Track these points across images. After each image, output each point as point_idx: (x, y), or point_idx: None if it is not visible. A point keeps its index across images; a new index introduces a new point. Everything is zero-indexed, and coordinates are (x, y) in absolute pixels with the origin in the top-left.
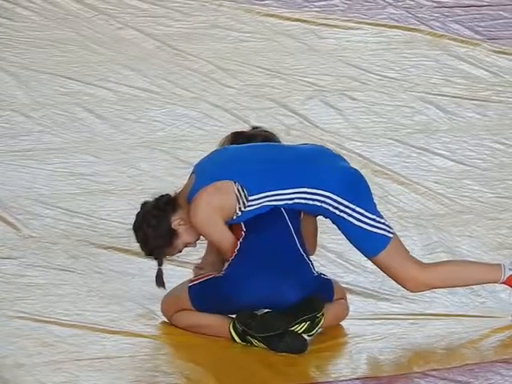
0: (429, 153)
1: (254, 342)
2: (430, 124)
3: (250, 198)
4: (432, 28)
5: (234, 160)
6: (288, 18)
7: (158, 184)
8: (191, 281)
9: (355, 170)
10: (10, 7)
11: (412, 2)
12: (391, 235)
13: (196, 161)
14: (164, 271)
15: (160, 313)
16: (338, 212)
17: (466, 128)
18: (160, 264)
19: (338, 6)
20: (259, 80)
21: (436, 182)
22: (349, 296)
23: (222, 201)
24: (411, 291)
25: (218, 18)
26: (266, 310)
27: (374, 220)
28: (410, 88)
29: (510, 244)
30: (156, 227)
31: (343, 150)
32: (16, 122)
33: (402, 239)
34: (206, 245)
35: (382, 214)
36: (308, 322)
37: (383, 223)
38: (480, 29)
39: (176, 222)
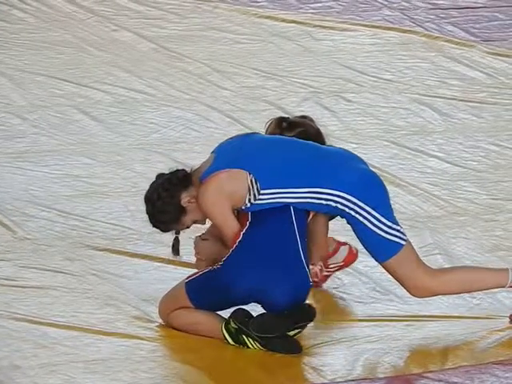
0: (424, 154)
1: (249, 341)
2: (425, 126)
3: (262, 191)
4: (427, 30)
5: (254, 151)
6: (283, 20)
7: None
8: (188, 277)
9: (375, 173)
10: (5, 9)
11: (407, 4)
12: (404, 242)
13: (191, 162)
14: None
15: (156, 315)
16: (353, 213)
17: (461, 130)
18: (177, 233)
19: (333, 8)
20: (255, 82)
21: (431, 184)
22: (344, 299)
23: (232, 188)
24: (418, 297)
25: (213, 19)
26: (264, 312)
27: (389, 227)
28: (406, 90)
29: (505, 246)
30: (166, 201)
31: None
32: (11, 124)
33: None
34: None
35: (396, 219)
36: (300, 330)
37: (398, 230)
38: (475, 31)
39: (186, 199)
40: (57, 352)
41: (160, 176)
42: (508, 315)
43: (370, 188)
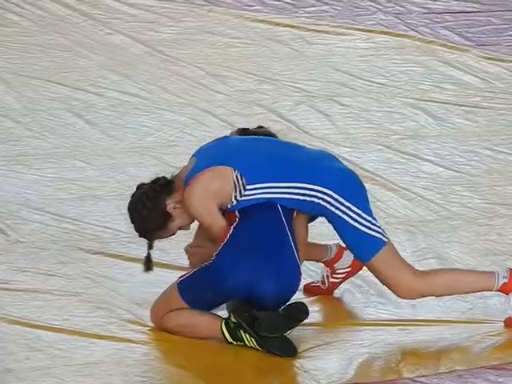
0: (418, 159)
1: (246, 337)
2: (419, 130)
3: (248, 187)
4: (421, 34)
5: (236, 148)
6: (277, 24)
7: None
8: (179, 277)
9: (353, 171)
10: None
11: (401, 8)
12: (386, 240)
13: None
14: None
15: (148, 318)
16: (333, 209)
17: (455, 134)
18: (150, 248)
19: (327, 12)
20: (248, 86)
21: (425, 188)
22: (337, 303)
23: (219, 186)
24: (403, 298)
25: (207, 23)
26: (264, 312)
27: (369, 222)
28: (400, 94)
29: (499, 250)
30: (151, 209)
31: None
32: (5, 128)
33: None
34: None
35: (377, 219)
36: (293, 329)
37: (379, 227)
38: (469, 35)
39: (171, 205)
40: (50, 355)
41: (140, 186)
42: (502, 319)
43: (350, 185)
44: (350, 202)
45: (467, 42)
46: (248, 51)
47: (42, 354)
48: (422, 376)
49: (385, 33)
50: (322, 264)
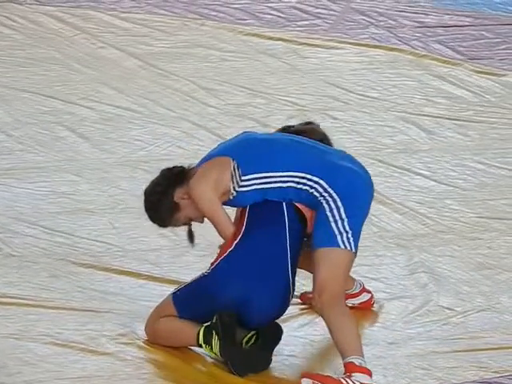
0: (410, 173)
1: (214, 339)
2: (412, 144)
3: (243, 177)
4: (414, 48)
5: (238, 141)
6: (270, 38)
7: (140, 203)
8: (175, 288)
9: (368, 183)
10: None
11: (394, 22)
12: (343, 247)
13: None
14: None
15: (141, 332)
16: (322, 200)
17: (447, 148)
18: (188, 224)
19: (320, 26)
20: (241, 99)
21: (417, 202)
22: None
23: (218, 175)
24: (315, 304)
25: (199, 37)
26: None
27: (343, 226)
28: (392, 108)
29: (491, 264)
30: (160, 197)
31: None
32: None
33: (382, 259)
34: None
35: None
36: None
37: (349, 237)
38: (462, 49)
39: (179, 194)
40: (42, 369)
41: (162, 171)
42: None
43: (356, 195)
44: (343, 207)
45: (460, 56)
46: (240, 65)
47: (34, 367)
48: None
49: (377, 47)
50: None
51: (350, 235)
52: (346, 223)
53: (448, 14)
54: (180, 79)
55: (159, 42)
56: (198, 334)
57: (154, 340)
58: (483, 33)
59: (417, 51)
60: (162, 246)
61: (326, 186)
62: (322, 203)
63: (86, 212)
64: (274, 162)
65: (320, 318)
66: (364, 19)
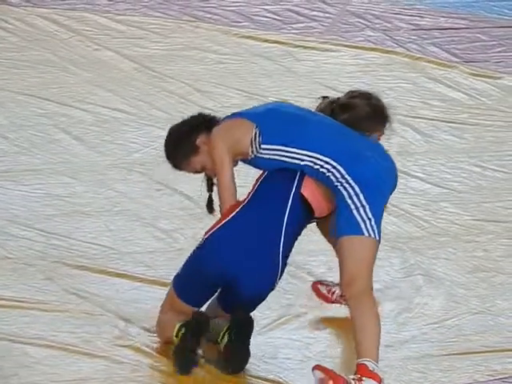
0: (406, 175)
1: (180, 332)
2: (407, 146)
3: (263, 146)
4: (409, 50)
5: (268, 109)
6: (266, 40)
7: (135, 205)
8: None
9: (394, 177)
10: None
11: (389, 25)
12: (367, 234)
13: (173, 183)
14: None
15: (136, 335)
16: (336, 182)
17: (442, 150)
18: (209, 190)
19: (315, 28)
20: (236, 102)
21: (413, 205)
22: (324, 322)
23: (239, 136)
24: (343, 293)
25: (195, 39)
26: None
27: (366, 213)
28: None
29: (486, 267)
30: (184, 135)
31: None
32: None
33: (378, 262)
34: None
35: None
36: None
37: (373, 224)
38: (457, 51)
39: (203, 139)
40: (37, 371)
41: (198, 113)
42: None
43: (377, 182)
44: (363, 193)
45: (455, 59)
46: (236, 67)
47: (29, 370)
48: None
49: (373, 49)
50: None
51: (372, 222)
52: (367, 210)
53: (443, 17)
54: (175, 81)
55: (154, 44)
56: (176, 327)
57: (159, 335)
58: (479, 35)
59: (412, 54)
60: (158, 248)
61: (343, 172)
62: (340, 190)
63: (81, 214)
64: (295, 138)
65: (315, 321)
66: (360, 22)
